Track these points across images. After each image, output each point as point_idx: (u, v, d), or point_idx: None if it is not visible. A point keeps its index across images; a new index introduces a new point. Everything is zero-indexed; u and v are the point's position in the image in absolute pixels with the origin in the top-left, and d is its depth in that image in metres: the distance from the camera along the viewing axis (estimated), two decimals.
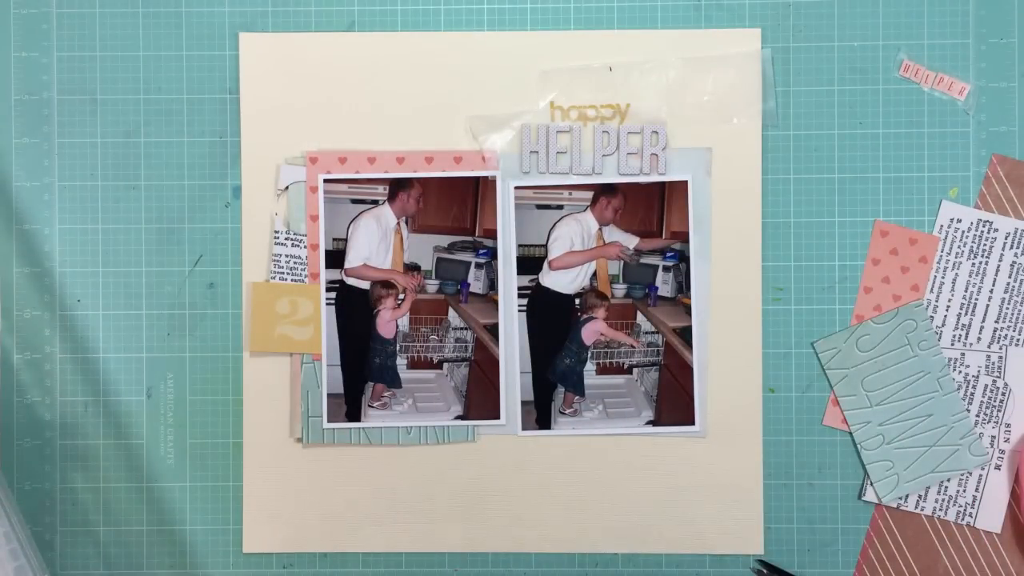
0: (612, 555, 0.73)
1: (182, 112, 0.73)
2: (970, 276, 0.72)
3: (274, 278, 0.72)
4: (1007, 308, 0.72)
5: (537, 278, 0.73)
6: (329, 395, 0.72)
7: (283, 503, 0.73)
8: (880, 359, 0.72)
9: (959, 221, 0.72)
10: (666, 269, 0.72)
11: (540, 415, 0.73)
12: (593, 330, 0.73)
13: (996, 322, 0.71)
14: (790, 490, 0.72)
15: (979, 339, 0.72)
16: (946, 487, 0.72)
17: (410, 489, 0.73)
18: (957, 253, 0.72)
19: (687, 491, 0.72)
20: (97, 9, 0.73)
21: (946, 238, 0.72)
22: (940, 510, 0.72)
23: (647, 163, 0.72)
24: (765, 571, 0.72)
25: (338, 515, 0.73)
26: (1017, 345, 0.71)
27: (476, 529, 0.72)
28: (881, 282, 0.72)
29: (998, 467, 0.71)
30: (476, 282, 0.73)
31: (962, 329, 0.72)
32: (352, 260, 0.73)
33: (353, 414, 0.73)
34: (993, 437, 0.71)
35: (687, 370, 0.72)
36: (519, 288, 0.72)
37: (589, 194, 0.72)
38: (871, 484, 0.71)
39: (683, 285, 0.72)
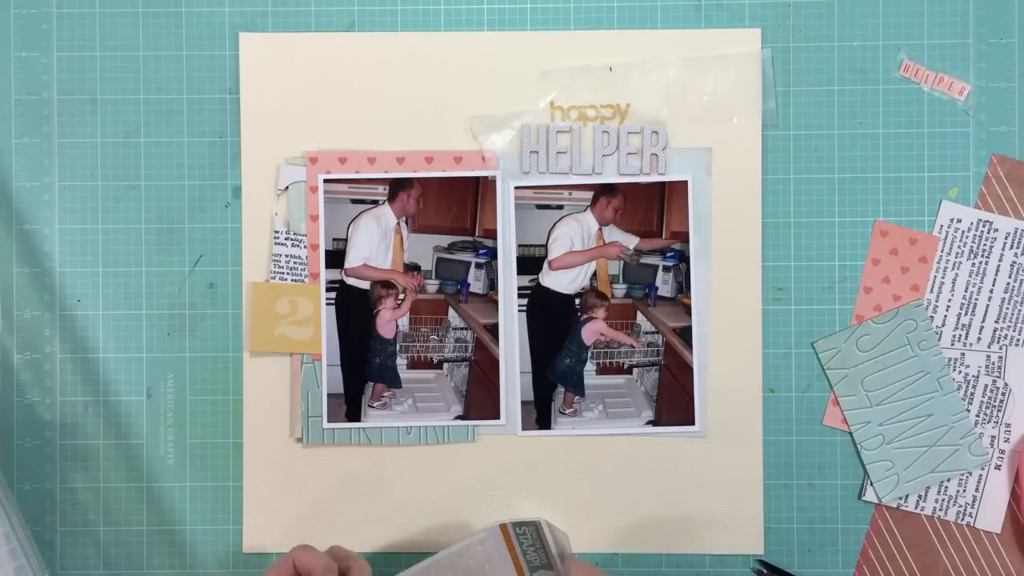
0: (612, 555, 0.73)
1: (182, 112, 0.73)
2: (970, 276, 0.72)
3: (274, 278, 0.72)
4: (1007, 308, 0.71)
5: (537, 278, 0.73)
6: (329, 395, 0.72)
7: (283, 503, 0.73)
8: (880, 359, 0.72)
9: (959, 221, 0.72)
10: (666, 269, 0.72)
11: (540, 415, 0.72)
12: (593, 330, 0.73)
13: (996, 322, 0.71)
14: (790, 490, 0.72)
15: (979, 339, 0.72)
16: (946, 487, 0.71)
17: (410, 489, 0.73)
18: (957, 253, 0.72)
19: (687, 491, 0.72)
20: (97, 9, 0.73)
21: (946, 238, 0.72)
22: (940, 510, 0.72)
23: (647, 163, 0.72)
24: (765, 571, 0.72)
25: (338, 515, 0.73)
26: (1017, 345, 0.71)
27: (476, 529, 0.72)
28: (881, 282, 0.72)
29: (998, 467, 0.71)
30: (476, 282, 0.73)
31: (962, 329, 0.72)
32: (352, 260, 0.73)
33: (353, 414, 0.73)
34: (993, 437, 0.71)
35: (687, 370, 0.72)
36: (519, 288, 0.72)
37: (589, 194, 0.72)
38: (871, 484, 0.71)
39: (683, 285, 0.72)
